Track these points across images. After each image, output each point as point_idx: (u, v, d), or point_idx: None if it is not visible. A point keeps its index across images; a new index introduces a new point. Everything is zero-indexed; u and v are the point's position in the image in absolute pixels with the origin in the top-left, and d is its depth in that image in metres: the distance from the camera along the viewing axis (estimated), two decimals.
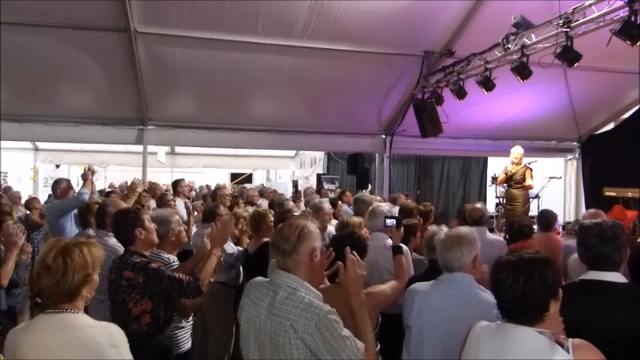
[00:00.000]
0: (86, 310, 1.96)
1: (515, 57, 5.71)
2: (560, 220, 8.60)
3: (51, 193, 6.69)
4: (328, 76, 7.52)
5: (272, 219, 4.38)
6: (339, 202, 6.44)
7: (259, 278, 2.19)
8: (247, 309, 2.06)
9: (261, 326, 1.97)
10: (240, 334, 2.10)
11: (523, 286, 1.67)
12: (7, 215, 4.07)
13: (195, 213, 5.98)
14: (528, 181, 7.60)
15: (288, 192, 12.92)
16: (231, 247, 4.46)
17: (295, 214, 4.16)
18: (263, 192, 9.63)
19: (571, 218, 9.87)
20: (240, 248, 4.49)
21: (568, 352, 1.60)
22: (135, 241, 2.83)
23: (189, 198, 7.63)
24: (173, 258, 2.92)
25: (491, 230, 6.98)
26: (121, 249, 3.25)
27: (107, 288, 2.85)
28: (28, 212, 6.78)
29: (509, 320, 1.73)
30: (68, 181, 5.92)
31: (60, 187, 5.47)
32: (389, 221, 3.37)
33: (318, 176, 12.84)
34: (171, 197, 6.31)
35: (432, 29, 6.89)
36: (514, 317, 1.71)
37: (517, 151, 7.75)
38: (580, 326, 1.81)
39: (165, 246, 3.05)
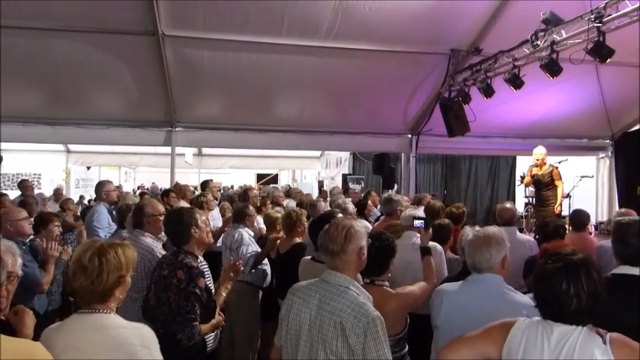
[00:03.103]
0: (118, 309, 2.00)
1: (544, 54, 5.58)
2: (593, 220, 8.38)
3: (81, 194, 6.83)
4: (353, 75, 7.50)
5: (306, 220, 4.40)
6: (369, 202, 6.40)
7: (304, 282, 2.24)
8: (297, 306, 2.12)
9: (312, 322, 2.03)
10: (287, 333, 2.14)
11: (588, 290, 1.66)
12: (53, 217, 4.19)
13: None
14: (559, 187, 7.41)
15: (313, 192, 12.96)
16: (252, 247, 4.51)
17: (339, 215, 4.19)
18: (290, 192, 9.68)
19: (604, 218, 9.60)
20: (258, 249, 4.52)
21: (605, 343, 1.62)
22: (190, 241, 2.86)
23: (217, 199, 7.72)
24: (201, 258, 2.96)
25: (521, 230, 6.87)
26: (157, 249, 3.33)
27: (147, 285, 2.88)
28: (63, 213, 6.98)
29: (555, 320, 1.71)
30: (111, 182, 6.05)
31: (104, 190, 5.59)
32: (417, 222, 3.35)
33: (344, 176, 12.83)
34: (211, 199, 6.32)
35: (459, 27, 6.80)
36: (570, 321, 1.69)
37: (539, 151, 7.53)
38: (612, 321, 1.79)
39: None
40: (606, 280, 2.18)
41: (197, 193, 7.46)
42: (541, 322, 1.75)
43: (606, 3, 4.71)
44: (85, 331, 1.83)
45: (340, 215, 3.70)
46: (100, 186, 5.67)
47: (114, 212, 5.22)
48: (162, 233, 3.29)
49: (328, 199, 7.62)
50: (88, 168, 14.13)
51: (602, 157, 10.27)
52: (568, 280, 1.67)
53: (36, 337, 1.90)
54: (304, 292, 2.13)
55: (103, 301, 1.89)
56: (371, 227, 4.88)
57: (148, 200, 4.09)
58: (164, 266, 2.82)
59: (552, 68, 5.51)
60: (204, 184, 7.40)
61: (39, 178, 12.60)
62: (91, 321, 1.86)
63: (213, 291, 2.89)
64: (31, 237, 3.82)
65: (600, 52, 4.84)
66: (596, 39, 4.83)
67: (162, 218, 3.30)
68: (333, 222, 2.24)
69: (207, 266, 2.99)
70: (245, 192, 6.75)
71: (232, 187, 15.78)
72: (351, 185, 11.46)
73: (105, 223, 5.22)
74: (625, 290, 2.15)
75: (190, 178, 15.00)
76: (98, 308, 1.89)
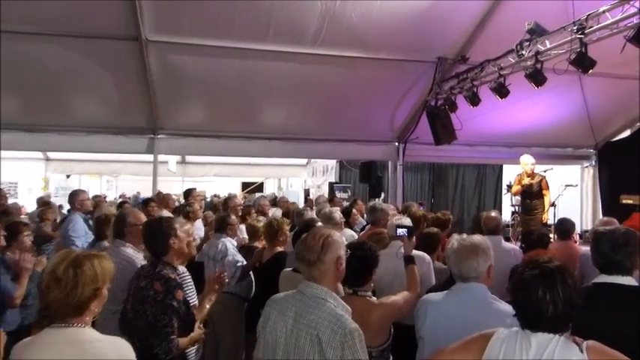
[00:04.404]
0: (96, 323, 1.96)
1: (529, 63, 5.68)
2: (578, 229, 8.49)
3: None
4: (340, 83, 7.54)
5: (288, 229, 4.40)
6: (354, 211, 6.40)
7: (282, 294, 2.22)
8: (273, 319, 2.09)
9: (288, 336, 2.00)
10: (264, 346, 2.12)
11: (564, 297, 1.68)
12: (23, 227, 4.10)
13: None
14: (547, 196, 7.59)
15: (300, 201, 12.94)
16: (237, 258, 4.49)
17: (318, 223, 4.19)
18: (278, 201, 9.65)
19: (588, 226, 9.73)
20: (242, 260, 4.50)
21: (582, 352, 1.65)
22: (168, 252, 2.83)
23: (200, 208, 7.66)
24: (182, 269, 2.93)
25: (507, 239, 6.93)
26: (138, 260, 3.28)
27: (125, 298, 2.85)
28: (41, 223, 6.85)
29: (533, 330, 1.73)
30: (85, 192, 5.99)
31: (78, 199, 5.52)
32: (400, 230, 3.36)
33: (331, 185, 12.83)
34: (197, 209, 6.31)
35: (445, 35, 6.89)
36: (548, 329, 1.70)
37: (529, 160, 7.66)
38: (592, 329, 1.82)
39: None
40: (587, 290, 2.23)
41: (180, 202, 7.39)
42: (519, 332, 1.77)
43: (588, 15, 4.82)
44: (57, 345, 1.78)
45: (319, 224, 3.72)
46: (74, 196, 5.63)
47: (90, 221, 5.16)
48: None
49: (314, 207, 7.61)
50: (68, 176, 13.92)
51: (587, 166, 10.43)
52: (544, 287, 1.70)
53: (8, 354, 1.85)
54: (281, 305, 2.11)
55: (77, 315, 1.84)
56: (357, 236, 4.89)
57: (130, 210, 4.04)
58: (141, 278, 2.78)
59: (537, 78, 5.60)
60: (187, 193, 7.35)
61: (15, 187, 12.35)
62: (65, 335, 1.81)
63: (193, 303, 2.85)
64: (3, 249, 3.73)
65: (583, 62, 4.95)
66: (578, 50, 4.93)
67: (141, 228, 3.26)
68: (310, 231, 2.23)
69: (189, 278, 2.96)
70: (226, 201, 6.72)
71: (218, 195, 15.67)
72: (337, 194, 11.46)
73: (81, 232, 5.16)
74: (604, 299, 2.20)
75: (174, 187, 14.85)
76: (73, 322, 1.84)
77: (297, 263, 2.16)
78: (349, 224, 5.87)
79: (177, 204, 7.37)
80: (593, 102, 8.32)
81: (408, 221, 3.85)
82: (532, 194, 7.62)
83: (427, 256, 3.63)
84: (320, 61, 7.03)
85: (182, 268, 2.99)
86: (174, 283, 2.71)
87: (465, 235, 2.65)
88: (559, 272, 1.73)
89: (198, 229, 6.21)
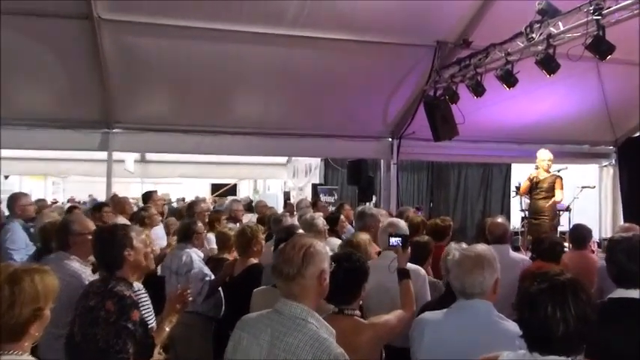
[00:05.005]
0: (37, 349, 1.92)
1: (540, 48, 5.74)
2: (596, 237, 8.59)
3: None
4: (325, 70, 7.55)
5: (263, 237, 4.39)
6: (342, 217, 6.41)
7: (255, 314, 2.20)
8: (245, 343, 2.08)
9: None
10: None
11: (576, 314, 1.70)
12: None
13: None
14: (558, 195, 7.40)
15: (279, 205, 12.92)
16: (205, 272, 4.46)
17: (299, 231, 4.18)
18: (256, 206, 9.62)
19: (607, 234, 9.87)
20: (210, 275, 4.47)
21: None
22: (122, 265, 2.79)
23: (162, 214, 7.61)
24: (138, 286, 2.90)
25: (517, 249, 6.99)
26: (85, 274, 3.25)
27: (71, 319, 2.81)
28: None
29: (542, 352, 1.74)
30: (27, 195, 5.90)
31: (19, 204, 5.44)
32: (393, 240, 3.36)
33: (314, 187, 12.85)
34: (154, 214, 6.28)
35: (446, 16, 6.93)
36: (559, 351, 1.72)
37: (546, 156, 7.62)
38: (608, 350, 1.87)
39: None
40: (601, 306, 2.25)
41: (139, 207, 7.33)
42: (527, 355, 1.78)
43: None
44: None
45: (300, 232, 3.70)
46: (14, 200, 5.54)
47: (31, 230, 5.09)
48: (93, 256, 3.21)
49: (295, 213, 7.60)
50: (7, 177, 13.71)
51: (605, 165, 10.58)
52: (554, 303, 1.71)
53: None
54: (254, 326, 2.09)
55: (14, 340, 1.81)
56: None
57: (75, 216, 3.99)
58: (90, 296, 2.74)
59: (549, 64, 5.66)
60: (147, 197, 7.30)
61: None
62: None
63: (152, 325, 2.83)
64: None
65: (600, 47, 5.01)
66: (595, 33, 4.99)
67: (91, 237, 3.22)
68: (289, 240, 2.22)
69: (145, 295, 2.93)
70: (190, 206, 6.68)
71: (183, 199, 15.59)
72: (322, 197, 11.49)
73: (21, 244, 5.09)
74: (620, 316, 2.23)
75: (132, 189, 14.76)
76: (8, 349, 1.81)
77: (274, 278, 2.13)
78: (336, 232, 5.88)
79: (135, 209, 7.30)
80: (612, 92, 8.45)
81: (402, 225, 3.86)
82: (540, 192, 7.54)
83: (422, 270, 3.65)
84: (302, 44, 7.03)
85: (139, 285, 2.96)
86: (129, 302, 2.67)
87: (463, 245, 2.67)
88: (570, 286, 1.74)
89: (160, 238, 6.17)
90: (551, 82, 6.12)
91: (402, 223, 3.99)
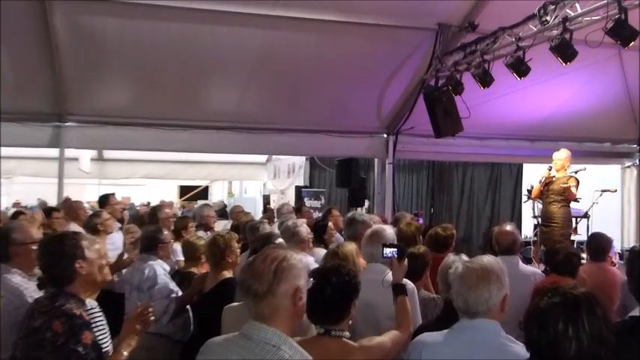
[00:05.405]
0: None
1: (555, 33, 5.78)
2: (617, 247, 8.67)
3: None
4: (311, 56, 7.57)
5: (238, 247, 4.38)
6: (329, 225, 6.41)
7: (220, 338, 2.18)
8: None
9: None
10: None
11: (590, 332, 1.71)
12: None
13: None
14: (573, 191, 7.35)
15: (257, 211, 12.89)
16: (171, 287, 4.44)
17: (278, 241, 4.16)
18: (231, 212, 9.59)
19: (630, 243, 9.97)
20: (177, 291, 4.47)
21: None
22: (73, 279, 2.76)
23: (122, 221, 7.56)
24: (91, 304, 2.88)
25: (528, 260, 7.04)
26: (29, 290, 3.21)
27: (14, 342, 2.78)
28: None
29: None
30: None
31: None
32: (388, 251, 3.36)
33: (298, 189, 12.84)
34: (108, 218, 6.25)
35: None
36: None
37: (562, 155, 7.67)
38: None
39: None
40: (622, 325, 2.27)
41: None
42: None
43: None
44: None
45: (280, 240, 3.69)
46: None
47: None
48: (37, 268, 3.18)
49: (276, 220, 7.59)
50: None
51: (629, 166, 10.70)
52: (565, 319, 1.73)
53: None
54: (219, 353, 2.06)
55: None
56: None
57: (17, 224, 3.95)
58: (36, 315, 2.71)
59: (565, 51, 5.70)
60: (103, 201, 7.23)
61: None
62: None
63: (107, 349, 2.80)
64: None
65: (622, 33, 5.06)
66: (616, 16, 5.04)
67: (36, 248, 3.19)
68: (260, 252, 2.21)
69: (100, 314, 2.91)
70: (153, 211, 6.65)
71: (148, 204, 15.51)
72: (307, 201, 11.48)
73: None
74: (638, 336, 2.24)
75: (87, 192, 14.62)
76: None
77: (242, 296, 2.10)
78: (324, 242, 5.88)
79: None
80: (636, 83, 8.52)
81: (389, 233, 3.83)
82: (551, 193, 7.56)
83: (410, 284, 3.64)
84: (286, 26, 7.04)
85: (92, 302, 2.94)
86: (80, 322, 2.65)
87: (464, 257, 2.67)
88: (585, 300, 1.76)
89: (118, 247, 6.14)
90: (567, 71, 6.20)
91: (389, 231, 3.95)
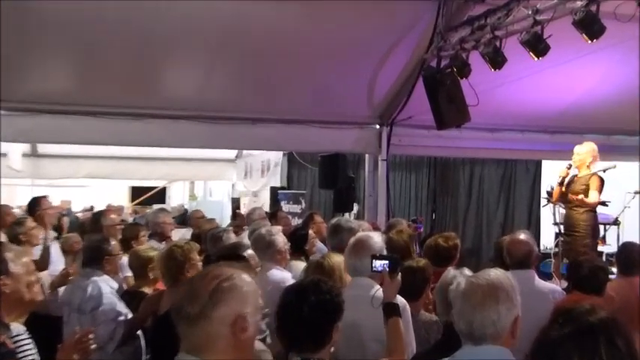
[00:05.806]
0: None
1: (579, 4, 5.83)
2: None
3: None
4: (289, 31, 7.55)
5: (199, 260, 4.38)
6: (311, 233, 6.44)
7: None
8: None
9: None
10: None
11: None
12: None
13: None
14: (591, 196, 7.37)
15: (225, 217, 12.87)
16: (118, 309, 4.44)
17: (247, 252, 4.16)
18: (190, 217, 9.57)
19: None
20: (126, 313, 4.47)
21: None
22: None
23: (59, 229, 7.52)
24: (18, 329, 2.87)
25: (547, 276, 7.08)
26: None
27: None
28: None
29: None
30: None
31: None
32: (378, 263, 3.38)
33: (274, 191, 12.85)
34: (32, 226, 6.23)
35: None
36: None
37: (583, 150, 7.69)
38: None
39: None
40: None
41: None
42: None
43: None
44: None
45: (250, 251, 3.68)
46: None
47: None
48: None
49: (246, 228, 7.59)
50: None
51: None
52: (581, 352, 1.75)
53: None
54: None
55: None
56: None
57: None
58: None
59: (590, 27, 5.74)
60: (33, 204, 7.17)
61: None
62: None
63: None
64: None
65: None
66: None
67: None
68: (204, 269, 2.20)
69: (29, 342, 2.90)
70: (96, 217, 6.61)
71: (92, 208, 15.45)
72: (284, 205, 11.47)
73: None
74: None
75: (18, 194, 14.49)
76: None
77: (175, 322, 2.03)
78: (305, 254, 5.90)
79: None
80: None
81: (376, 242, 3.85)
82: (571, 194, 7.59)
83: (402, 300, 3.66)
84: None
85: (19, 327, 2.94)
86: (2, 351, 2.65)
87: (466, 271, 2.68)
88: (603, 328, 1.77)
89: (54, 261, 6.13)
90: (593, 50, 6.22)
91: (376, 239, 3.95)
